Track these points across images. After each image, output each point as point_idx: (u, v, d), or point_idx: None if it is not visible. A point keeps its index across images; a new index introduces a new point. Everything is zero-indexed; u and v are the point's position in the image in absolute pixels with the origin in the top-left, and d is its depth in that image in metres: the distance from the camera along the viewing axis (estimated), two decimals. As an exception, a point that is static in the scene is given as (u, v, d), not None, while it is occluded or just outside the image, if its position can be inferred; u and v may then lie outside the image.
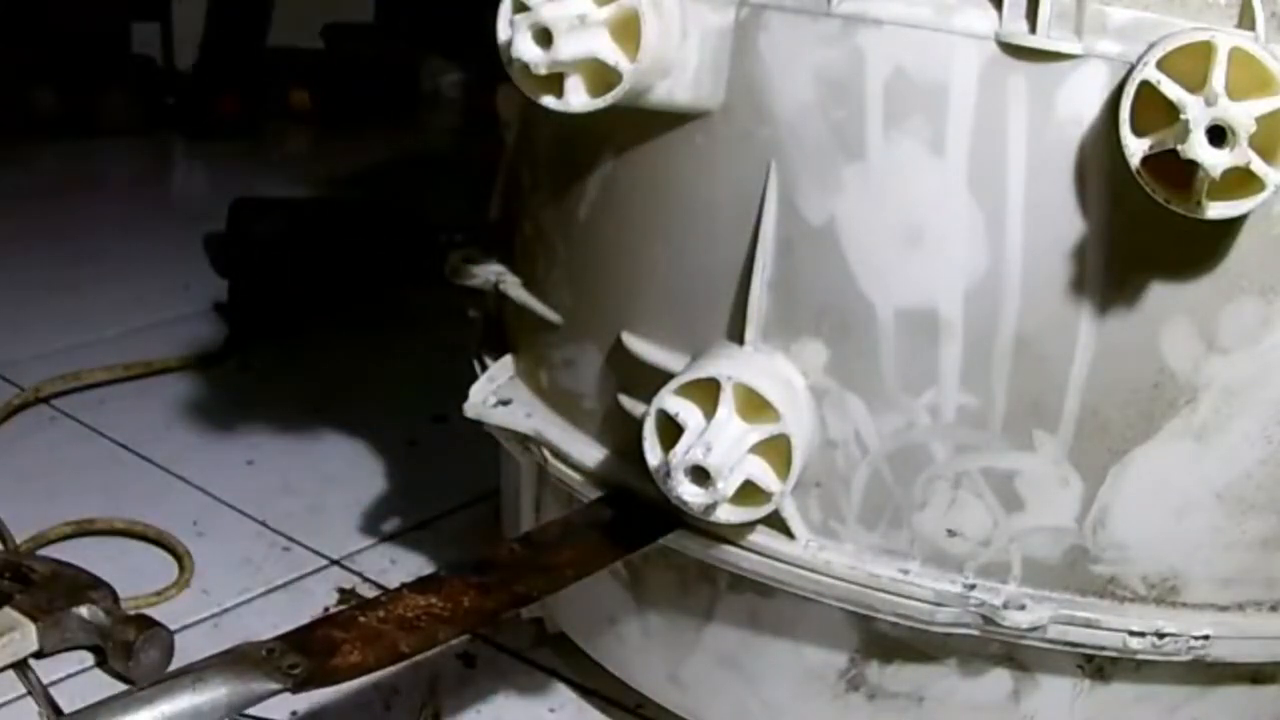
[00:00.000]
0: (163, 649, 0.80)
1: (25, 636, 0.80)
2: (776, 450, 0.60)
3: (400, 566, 0.94)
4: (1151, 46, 0.53)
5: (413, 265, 1.30)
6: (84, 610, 0.81)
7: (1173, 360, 0.58)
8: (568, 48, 0.57)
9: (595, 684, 0.81)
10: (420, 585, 0.62)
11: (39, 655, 0.81)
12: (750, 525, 0.63)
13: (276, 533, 0.97)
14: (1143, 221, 0.55)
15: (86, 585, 0.84)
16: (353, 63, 2.26)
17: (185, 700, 0.52)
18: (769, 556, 0.65)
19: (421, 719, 0.78)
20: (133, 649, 0.79)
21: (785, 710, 0.70)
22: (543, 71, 0.58)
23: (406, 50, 2.32)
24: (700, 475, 0.59)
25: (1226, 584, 0.63)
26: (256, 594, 0.90)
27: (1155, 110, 0.52)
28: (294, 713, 0.77)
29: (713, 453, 0.58)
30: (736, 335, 0.63)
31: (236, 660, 0.55)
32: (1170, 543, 0.62)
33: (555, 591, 0.66)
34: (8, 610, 0.81)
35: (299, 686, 0.55)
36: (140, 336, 1.30)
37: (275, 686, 0.55)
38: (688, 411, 0.60)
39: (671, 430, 0.61)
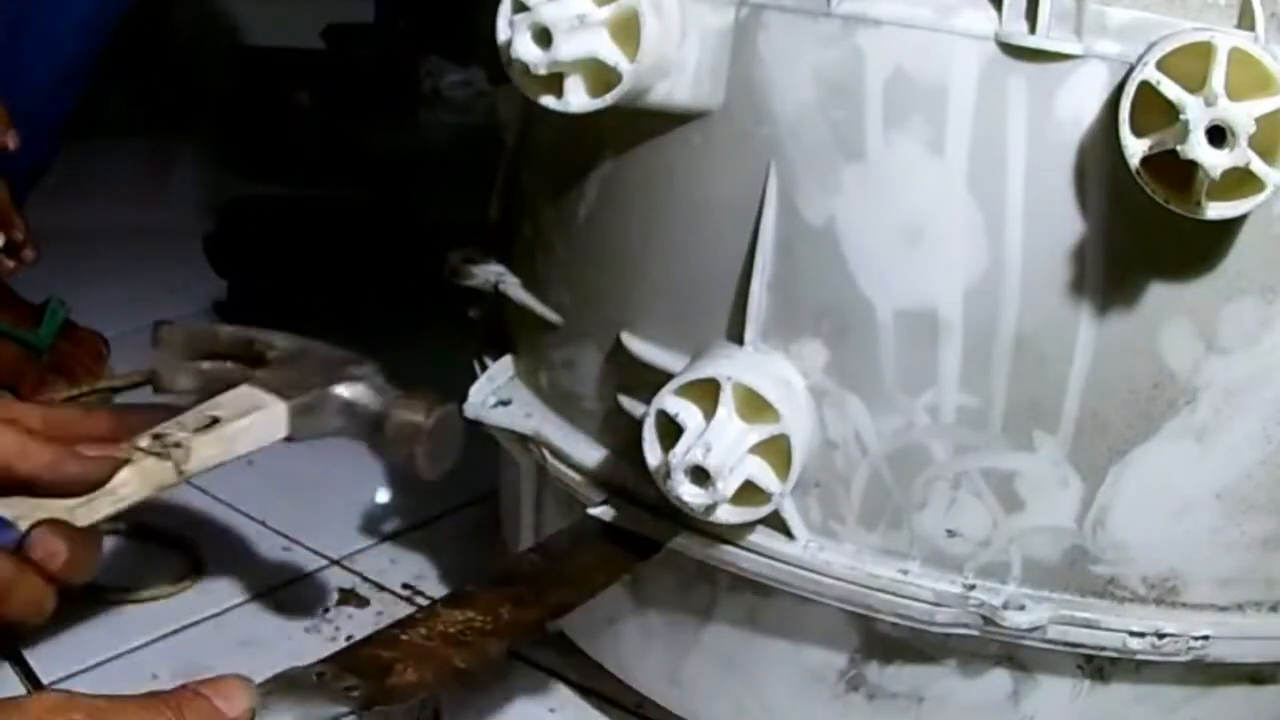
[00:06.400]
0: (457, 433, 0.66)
1: (274, 418, 0.64)
2: (776, 450, 0.60)
3: (400, 566, 0.94)
4: (1151, 47, 0.53)
5: (412, 265, 1.30)
6: (343, 389, 0.65)
7: (1173, 360, 0.58)
8: (567, 48, 0.57)
9: (595, 684, 0.81)
10: (453, 600, 0.62)
11: (289, 440, 0.68)
12: (750, 525, 0.63)
13: (276, 533, 0.97)
14: (1143, 221, 0.55)
15: (347, 361, 0.69)
16: (353, 63, 2.25)
17: None
18: (769, 557, 0.65)
19: (421, 719, 0.78)
20: (421, 432, 0.65)
21: (785, 710, 0.70)
22: (542, 71, 0.58)
23: (406, 50, 2.32)
24: (700, 475, 0.59)
25: (1226, 584, 0.63)
26: (256, 594, 0.90)
27: (1155, 110, 0.52)
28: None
29: (712, 453, 0.58)
30: (736, 335, 0.63)
31: (292, 685, 0.53)
32: (1170, 543, 0.62)
33: (589, 599, 0.65)
34: (248, 388, 0.65)
35: (363, 708, 0.53)
36: (140, 337, 1.29)
37: (343, 709, 0.53)
38: (687, 412, 0.60)
39: (671, 431, 0.61)
